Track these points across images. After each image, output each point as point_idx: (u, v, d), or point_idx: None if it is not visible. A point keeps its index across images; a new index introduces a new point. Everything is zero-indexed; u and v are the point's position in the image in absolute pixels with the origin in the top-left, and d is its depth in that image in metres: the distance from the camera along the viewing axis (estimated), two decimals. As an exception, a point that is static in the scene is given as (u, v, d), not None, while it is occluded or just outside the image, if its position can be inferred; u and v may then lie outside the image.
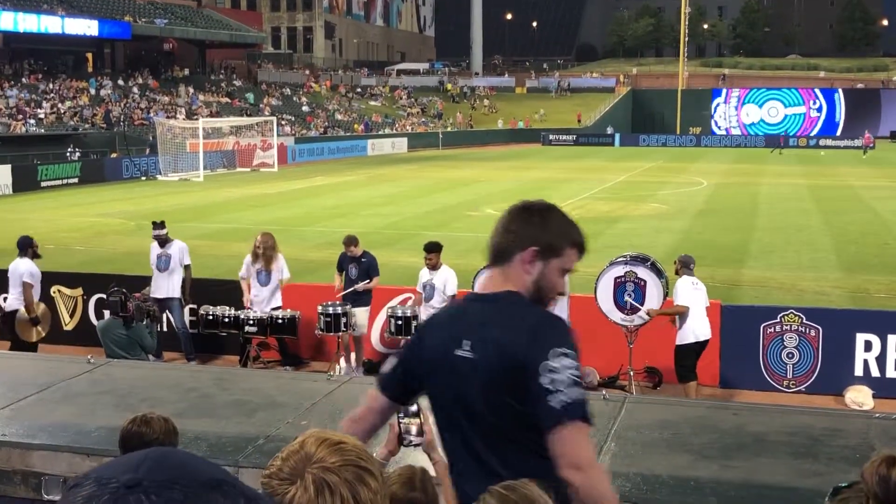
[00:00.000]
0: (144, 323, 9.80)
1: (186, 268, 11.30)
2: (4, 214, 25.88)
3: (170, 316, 11.37)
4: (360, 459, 1.50)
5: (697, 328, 9.36)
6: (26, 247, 10.33)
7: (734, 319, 10.18)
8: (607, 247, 18.23)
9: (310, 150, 50.89)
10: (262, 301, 10.84)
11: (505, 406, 2.70)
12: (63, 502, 1.03)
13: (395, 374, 3.01)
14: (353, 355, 11.01)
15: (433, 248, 10.32)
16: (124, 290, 9.78)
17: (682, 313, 9.33)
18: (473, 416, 2.78)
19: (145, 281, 11.25)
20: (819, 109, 73.51)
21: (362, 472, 1.48)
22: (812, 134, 69.77)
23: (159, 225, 11.36)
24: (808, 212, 25.07)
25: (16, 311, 10.23)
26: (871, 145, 53.88)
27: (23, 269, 10.17)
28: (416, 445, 2.91)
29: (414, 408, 2.89)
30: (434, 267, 10.32)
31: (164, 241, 11.25)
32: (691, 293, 9.39)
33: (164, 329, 11.36)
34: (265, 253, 10.76)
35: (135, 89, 51.08)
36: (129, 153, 40.18)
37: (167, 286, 11.10)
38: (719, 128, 74.59)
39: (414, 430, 2.87)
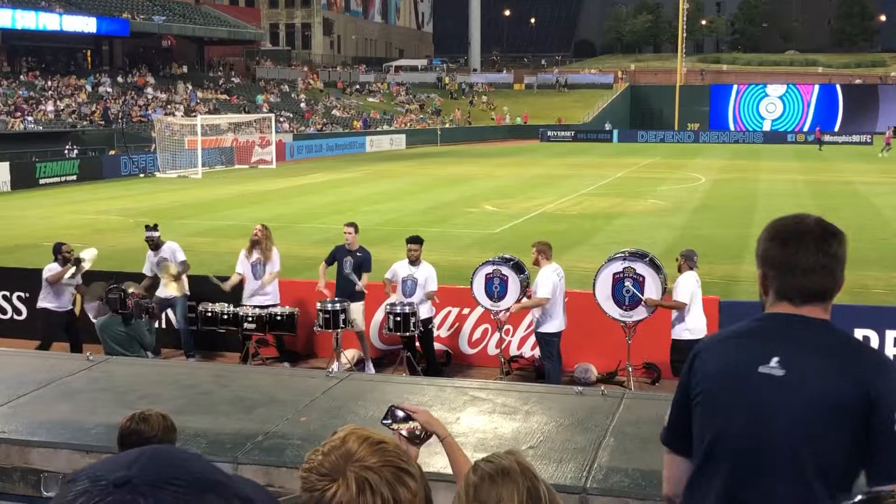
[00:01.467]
0: (143, 320, 9.79)
1: (183, 263, 11.30)
2: (3, 212, 25.88)
3: (172, 313, 11.39)
4: (401, 461, 1.54)
5: (696, 323, 9.37)
6: (56, 253, 10.77)
7: (732, 315, 10.16)
8: (606, 243, 18.28)
9: (308, 147, 50.85)
10: (256, 295, 10.84)
11: (823, 433, 2.37)
12: (58, 498, 1.03)
13: (672, 421, 2.64)
14: (348, 353, 10.99)
15: (418, 240, 10.53)
16: (123, 288, 9.77)
17: (681, 308, 9.35)
18: (769, 444, 2.42)
19: (144, 278, 11.24)
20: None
21: (402, 473, 1.52)
22: (806, 129, 69.74)
23: (152, 227, 11.36)
24: (807, 207, 24.98)
25: (47, 310, 10.70)
26: (889, 144, 50.71)
27: (44, 271, 10.71)
28: (425, 440, 2.90)
29: (401, 413, 2.87)
30: (415, 260, 10.42)
31: (156, 245, 11.26)
32: (695, 289, 9.40)
33: (163, 326, 11.38)
34: (263, 244, 10.81)
35: (134, 86, 51.02)
36: (128, 150, 40.13)
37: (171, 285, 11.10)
38: (717, 124, 74.60)
39: (406, 432, 2.85)
